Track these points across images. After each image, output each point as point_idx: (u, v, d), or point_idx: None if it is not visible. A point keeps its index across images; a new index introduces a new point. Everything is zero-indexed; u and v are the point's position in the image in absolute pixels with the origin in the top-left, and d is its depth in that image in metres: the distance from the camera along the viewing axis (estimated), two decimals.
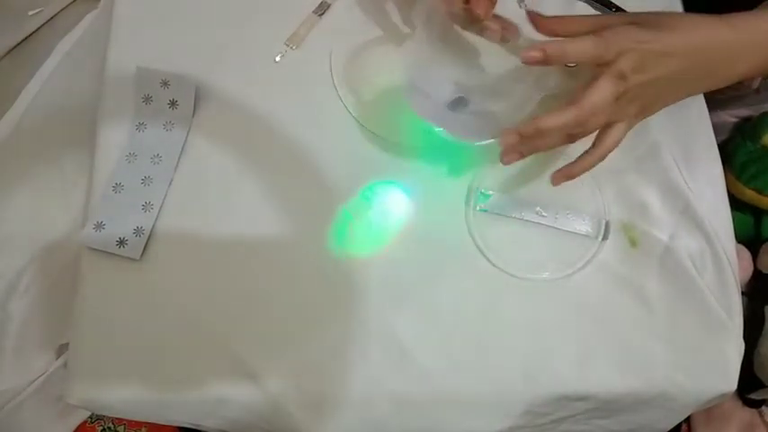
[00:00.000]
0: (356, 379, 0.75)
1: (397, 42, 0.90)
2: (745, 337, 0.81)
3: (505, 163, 0.73)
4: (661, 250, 0.82)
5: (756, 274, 1.06)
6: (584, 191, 0.84)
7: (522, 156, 0.73)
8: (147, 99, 0.84)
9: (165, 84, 0.83)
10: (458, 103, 0.74)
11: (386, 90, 0.88)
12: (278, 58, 0.90)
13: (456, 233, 0.82)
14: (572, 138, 0.71)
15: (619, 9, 0.95)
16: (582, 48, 0.66)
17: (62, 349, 0.91)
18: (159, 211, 0.80)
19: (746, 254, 1.06)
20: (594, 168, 0.81)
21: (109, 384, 0.74)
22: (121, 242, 0.77)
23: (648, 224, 0.83)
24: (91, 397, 0.74)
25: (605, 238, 0.82)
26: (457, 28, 0.84)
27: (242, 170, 0.83)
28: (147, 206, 0.79)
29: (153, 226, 0.79)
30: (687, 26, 0.69)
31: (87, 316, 0.76)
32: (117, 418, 1.04)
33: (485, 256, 0.81)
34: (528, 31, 0.76)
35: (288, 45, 0.90)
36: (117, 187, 0.81)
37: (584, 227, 0.82)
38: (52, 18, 0.98)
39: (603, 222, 0.82)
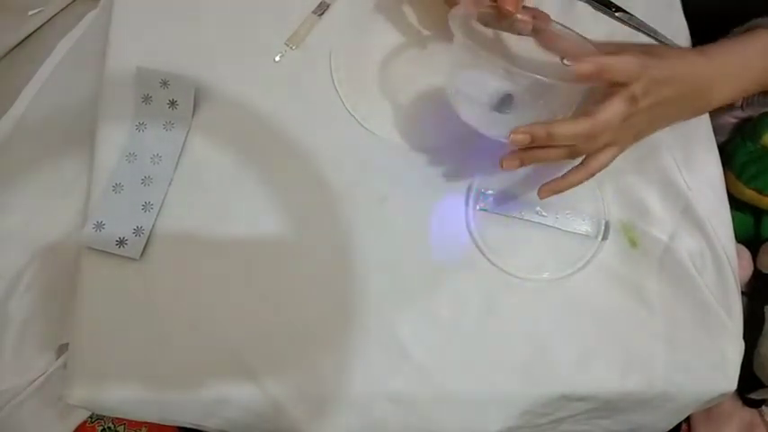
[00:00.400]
0: (356, 379, 0.75)
1: (398, 42, 0.91)
2: (745, 337, 0.81)
3: (504, 167, 0.73)
4: (661, 250, 0.82)
5: (756, 273, 1.06)
6: (584, 191, 0.83)
7: (523, 164, 0.73)
8: (147, 99, 0.84)
9: (164, 84, 0.83)
10: (504, 102, 0.74)
11: (386, 90, 0.88)
12: (278, 58, 0.90)
13: (456, 233, 0.82)
14: (574, 153, 0.71)
15: (619, 9, 0.95)
16: (625, 65, 0.68)
17: (62, 349, 0.91)
18: (159, 210, 0.80)
19: (746, 254, 1.06)
20: None
21: (108, 384, 0.74)
22: (121, 242, 0.77)
23: (648, 224, 0.83)
24: (90, 397, 0.74)
25: (605, 238, 0.82)
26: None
27: (242, 170, 0.83)
28: (146, 206, 0.80)
29: (153, 226, 0.79)
30: (674, 56, 0.75)
31: (87, 316, 0.76)
32: (117, 419, 1.04)
33: (485, 255, 0.81)
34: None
35: (288, 45, 0.90)
36: (117, 187, 0.81)
37: (584, 227, 0.82)
38: (52, 18, 0.98)
39: (603, 222, 0.82)
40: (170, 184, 0.81)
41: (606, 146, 0.72)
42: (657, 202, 0.84)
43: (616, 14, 0.95)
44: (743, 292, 1.03)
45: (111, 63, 0.86)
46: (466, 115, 0.75)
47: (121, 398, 0.75)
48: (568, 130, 0.68)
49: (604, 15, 0.96)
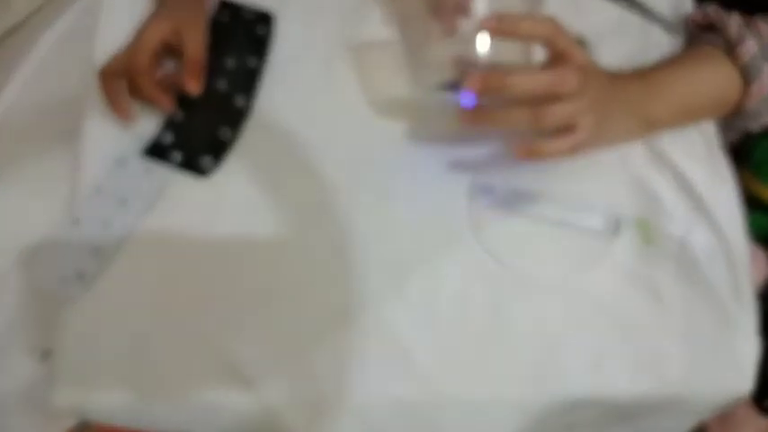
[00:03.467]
0: (355, 383, 0.73)
1: (399, 36, 0.90)
2: (761, 342, 0.79)
3: (462, 120, 0.74)
4: (676, 247, 0.80)
5: None
6: (594, 186, 0.83)
7: (481, 121, 0.73)
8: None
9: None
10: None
11: (387, 87, 0.88)
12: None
13: (458, 231, 0.80)
14: (536, 116, 0.70)
15: None
16: (534, 22, 0.68)
17: (48, 354, 0.89)
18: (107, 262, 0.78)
19: (762, 255, 1.05)
20: (604, 162, 0.83)
21: (96, 389, 0.74)
22: (63, 280, 0.76)
23: (663, 220, 0.81)
24: (77, 402, 0.74)
25: (617, 234, 0.80)
26: None
27: (239, 169, 0.83)
28: (97, 251, 0.77)
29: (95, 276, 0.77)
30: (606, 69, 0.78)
31: (74, 319, 0.75)
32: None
33: (488, 253, 0.79)
34: None
35: None
36: (98, 189, 0.80)
37: (594, 223, 0.81)
38: (37, 9, 0.98)
39: (614, 218, 0.81)
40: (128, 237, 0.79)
41: (574, 127, 0.72)
42: (671, 198, 0.83)
43: (625, 3, 0.94)
44: (758, 295, 1.02)
45: (99, 57, 0.85)
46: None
47: (108, 403, 0.73)
48: (524, 77, 0.68)
49: (613, 4, 0.95)
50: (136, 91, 0.80)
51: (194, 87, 0.81)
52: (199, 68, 0.82)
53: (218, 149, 0.82)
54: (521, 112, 0.70)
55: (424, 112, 0.86)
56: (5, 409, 0.88)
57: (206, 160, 0.81)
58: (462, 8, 0.77)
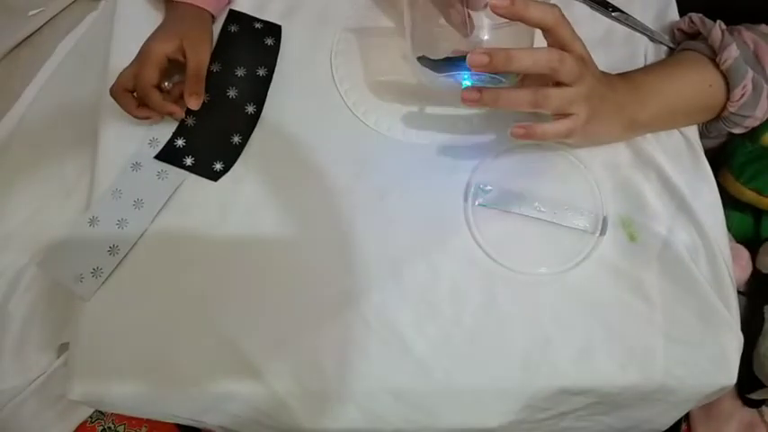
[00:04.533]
0: (357, 373, 0.75)
1: (398, 38, 0.91)
2: (744, 337, 0.80)
3: (464, 98, 0.72)
4: (660, 244, 0.82)
5: (756, 273, 1.06)
6: (582, 187, 0.84)
7: (484, 101, 0.71)
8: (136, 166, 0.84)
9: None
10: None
11: (387, 86, 0.89)
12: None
13: (455, 228, 0.82)
14: (536, 98, 0.71)
15: (616, 9, 0.95)
16: (542, 7, 0.68)
17: (63, 348, 0.91)
18: (123, 257, 0.79)
19: (745, 253, 1.06)
20: (592, 164, 0.85)
21: (109, 380, 0.74)
22: (78, 278, 0.77)
23: (647, 218, 0.83)
24: (91, 392, 0.74)
25: (603, 233, 0.82)
26: None
27: (246, 172, 0.84)
28: (113, 249, 0.79)
29: (112, 271, 0.78)
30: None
31: (87, 311, 0.76)
32: (117, 418, 1.03)
33: (484, 251, 0.81)
34: None
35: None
36: (116, 193, 0.81)
37: (582, 222, 0.82)
38: (53, 18, 0.98)
39: (601, 217, 0.83)
40: (142, 235, 0.80)
41: (570, 114, 0.73)
42: (655, 198, 0.84)
43: (613, 14, 0.96)
44: (742, 293, 1.04)
45: (113, 65, 0.86)
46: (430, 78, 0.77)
47: (122, 393, 0.74)
48: (528, 54, 0.68)
49: (602, 15, 0.96)
50: (146, 103, 0.82)
51: (194, 104, 0.82)
52: (199, 86, 0.83)
53: (229, 156, 0.84)
54: (523, 92, 0.71)
55: (424, 104, 0.88)
56: (21, 402, 0.90)
57: (217, 166, 0.83)
58: None
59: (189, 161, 0.83)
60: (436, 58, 0.75)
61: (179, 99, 0.83)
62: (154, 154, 0.83)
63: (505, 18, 0.67)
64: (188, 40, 0.83)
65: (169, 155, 0.84)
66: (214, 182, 0.83)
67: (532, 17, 0.67)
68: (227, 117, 0.86)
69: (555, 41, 0.70)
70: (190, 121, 0.85)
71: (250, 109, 0.86)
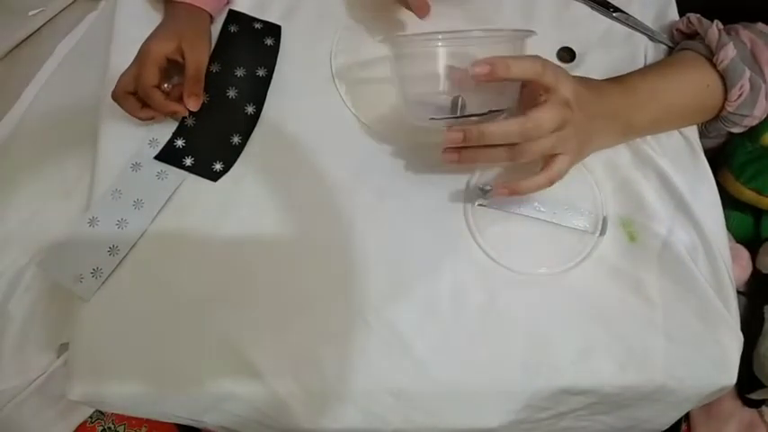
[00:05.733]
0: (357, 373, 0.75)
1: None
2: (744, 338, 0.80)
3: (443, 159, 0.76)
4: (660, 244, 0.82)
5: (756, 273, 1.05)
6: (582, 187, 0.84)
7: (461, 161, 0.76)
8: (136, 166, 0.84)
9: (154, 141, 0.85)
10: (454, 105, 0.74)
11: (387, 87, 0.87)
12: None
13: (455, 229, 0.82)
14: (515, 155, 0.72)
15: (616, 9, 0.95)
16: (523, 63, 0.69)
17: (62, 349, 0.91)
18: (123, 257, 0.79)
19: (745, 254, 1.06)
20: (592, 164, 0.85)
21: (109, 380, 0.75)
22: (78, 278, 0.77)
23: (647, 218, 0.83)
24: (92, 392, 0.74)
25: (603, 233, 0.82)
26: None
27: (246, 172, 0.84)
28: (113, 250, 0.79)
29: (112, 271, 0.78)
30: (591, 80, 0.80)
31: (87, 311, 0.77)
32: (117, 418, 1.04)
33: (484, 251, 0.81)
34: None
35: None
36: (116, 193, 0.81)
37: (582, 222, 0.82)
38: (53, 18, 0.99)
39: (601, 218, 0.83)
40: (141, 235, 0.80)
41: (557, 155, 0.73)
42: (654, 198, 0.84)
43: (614, 14, 0.95)
44: (742, 292, 1.04)
45: (113, 65, 0.87)
46: (421, 120, 0.77)
47: (122, 393, 0.75)
48: (499, 128, 0.70)
49: (602, 15, 0.96)
50: (147, 104, 0.82)
51: (194, 105, 0.83)
52: (198, 87, 0.83)
53: (229, 156, 0.84)
54: (499, 151, 0.73)
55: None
56: (21, 402, 0.90)
57: (217, 166, 0.83)
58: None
59: (189, 161, 0.83)
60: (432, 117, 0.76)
61: (179, 101, 0.83)
62: (154, 154, 0.83)
63: (491, 81, 0.69)
64: (186, 41, 0.83)
65: (169, 155, 0.83)
66: (214, 182, 0.83)
67: (515, 75, 0.69)
68: (227, 117, 0.86)
69: (539, 88, 0.72)
70: (189, 122, 0.85)
71: (250, 109, 0.86)
